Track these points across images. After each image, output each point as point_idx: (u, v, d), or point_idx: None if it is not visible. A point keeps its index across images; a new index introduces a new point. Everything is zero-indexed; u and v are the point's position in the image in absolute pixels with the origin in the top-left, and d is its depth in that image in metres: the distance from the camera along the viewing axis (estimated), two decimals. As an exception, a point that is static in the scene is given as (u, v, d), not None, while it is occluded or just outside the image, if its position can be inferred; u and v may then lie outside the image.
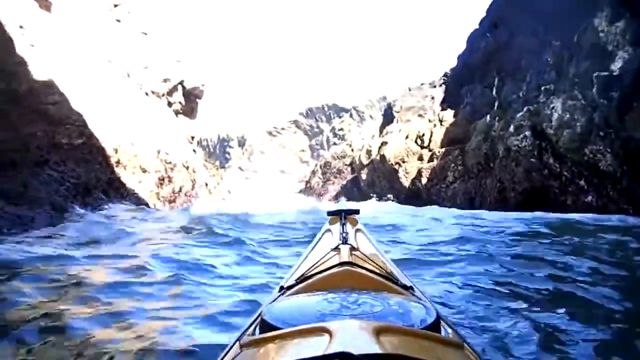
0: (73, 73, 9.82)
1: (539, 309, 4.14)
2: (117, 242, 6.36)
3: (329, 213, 3.23)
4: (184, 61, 15.71)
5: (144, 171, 10.57)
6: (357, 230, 2.84)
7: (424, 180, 24.03)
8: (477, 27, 28.04)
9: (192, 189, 12.76)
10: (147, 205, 10.21)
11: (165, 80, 14.46)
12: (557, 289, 4.86)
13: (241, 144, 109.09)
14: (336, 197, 31.26)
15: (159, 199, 10.95)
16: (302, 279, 1.84)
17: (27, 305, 4.07)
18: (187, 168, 12.76)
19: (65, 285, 4.52)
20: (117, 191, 9.46)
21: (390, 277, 1.85)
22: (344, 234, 2.32)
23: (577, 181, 17.36)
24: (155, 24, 15.21)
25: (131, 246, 6.14)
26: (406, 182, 25.05)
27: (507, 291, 5.15)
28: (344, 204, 3.97)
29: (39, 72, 8.58)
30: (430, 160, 24.55)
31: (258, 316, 1.47)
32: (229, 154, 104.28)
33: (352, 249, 2.10)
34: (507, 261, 6.47)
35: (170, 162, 11.70)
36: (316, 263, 2.00)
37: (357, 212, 3.24)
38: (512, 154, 19.14)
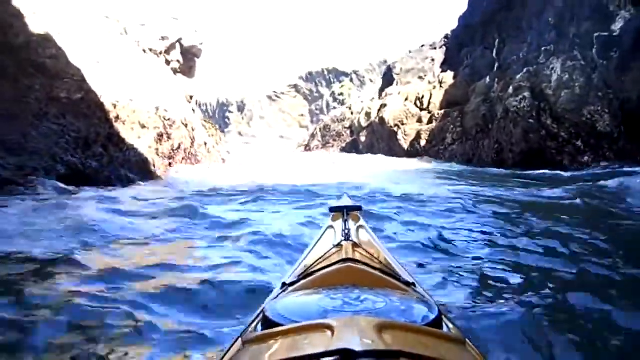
0: (70, 27, 9.78)
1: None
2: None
3: (332, 209, 3.22)
4: (182, 19, 15.59)
5: (143, 127, 10.62)
6: (360, 226, 2.85)
7: (423, 142, 24.07)
8: (479, -13, 27.62)
9: (191, 147, 12.83)
10: (146, 160, 10.31)
11: (162, 38, 14.36)
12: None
13: (240, 108, 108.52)
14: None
15: (158, 155, 11.03)
16: (304, 275, 1.84)
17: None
18: (186, 126, 12.81)
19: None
20: (117, 146, 9.54)
21: (392, 273, 1.86)
22: (346, 231, 2.32)
23: (574, 142, 17.42)
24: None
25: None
26: (405, 144, 25.10)
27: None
28: (347, 201, 3.97)
29: (35, 25, 8.57)
30: (430, 122, 24.54)
31: (260, 313, 1.47)
32: (228, 118, 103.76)
33: (355, 245, 2.11)
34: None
35: (169, 119, 11.73)
36: (318, 260, 2.01)
37: (359, 208, 3.25)
38: (511, 115, 19.14)
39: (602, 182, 9.85)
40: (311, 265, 1.95)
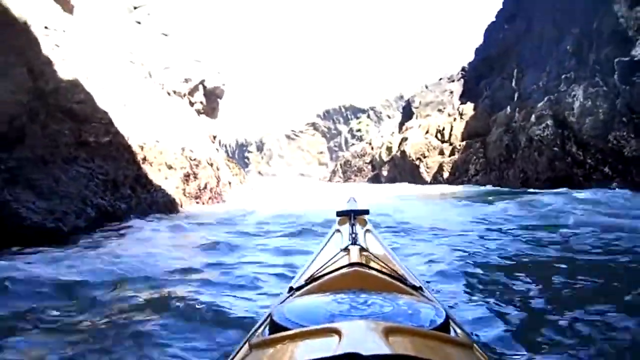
0: (96, 73, 9.98)
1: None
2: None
3: (339, 213, 3.20)
4: (204, 61, 15.88)
5: (170, 167, 10.69)
6: (367, 230, 2.87)
7: (446, 175, 23.95)
8: (494, 19, 27.90)
9: (217, 186, 12.88)
10: (174, 201, 10.34)
11: (186, 80, 14.60)
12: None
13: (259, 148, 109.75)
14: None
15: (185, 195, 11.06)
16: (312, 279, 1.85)
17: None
18: (212, 165, 12.88)
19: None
20: (144, 187, 9.59)
21: (399, 277, 1.86)
22: (354, 235, 2.32)
23: (602, 168, 17.17)
24: (175, 25, 15.39)
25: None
26: (428, 177, 25.00)
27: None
28: (354, 204, 3.90)
29: (64, 71, 8.74)
30: (452, 154, 24.49)
31: (267, 317, 1.47)
32: (247, 158, 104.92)
33: (362, 249, 2.10)
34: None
35: (194, 159, 11.81)
36: (325, 264, 2.00)
37: (366, 212, 3.25)
38: (535, 144, 19.01)
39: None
40: (318, 270, 1.95)
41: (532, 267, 4.78)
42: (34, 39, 8.22)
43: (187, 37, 15.67)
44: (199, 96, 15.49)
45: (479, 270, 4.53)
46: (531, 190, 17.45)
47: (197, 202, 11.48)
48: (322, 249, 2.70)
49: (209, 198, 11.98)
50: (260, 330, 1.47)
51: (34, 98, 7.75)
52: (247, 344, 1.28)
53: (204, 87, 15.68)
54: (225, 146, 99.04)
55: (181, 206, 10.65)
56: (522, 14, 24.68)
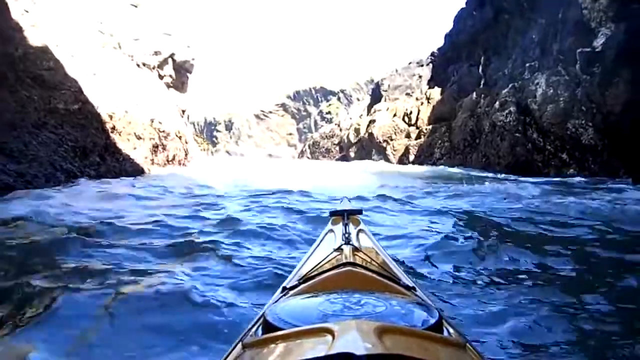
0: (66, 41, 9.95)
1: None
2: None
3: (332, 213, 3.17)
4: (175, 34, 15.84)
5: (139, 138, 10.78)
6: (360, 230, 2.84)
7: (412, 157, 24.37)
8: (464, 5, 28.17)
9: (185, 158, 13.00)
10: (142, 170, 10.45)
11: (156, 53, 14.58)
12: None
13: (228, 127, 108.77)
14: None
15: (153, 165, 11.19)
16: (305, 279, 1.84)
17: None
18: (180, 138, 12.99)
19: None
20: (113, 156, 9.68)
21: (392, 277, 1.84)
22: (347, 234, 2.31)
23: (560, 154, 17.79)
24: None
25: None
26: (394, 159, 25.41)
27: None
28: (347, 204, 3.94)
29: (33, 38, 8.73)
30: (418, 137, 24.89)
31: (260, 317, 1.46)
32: (216, 137, 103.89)
33: (355, 249, 2.11)
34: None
35: (163, 131, 11.91)
36: (319, 263, 2.00)
37: (359, 212, 3.23)
38: (497, 130, 19.50)
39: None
40: (311, 270, 1.95)
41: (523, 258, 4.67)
42: (2, 3, 8.19)
43: (157, 9, 15.58)
44: (169, 69, 15.47)
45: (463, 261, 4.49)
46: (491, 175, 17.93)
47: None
48: (315, 248, 2.68)
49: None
50: (253, 330, 1.45)
51: (3, 63, 7.76)
52: (240, 344, 1.29)
53: (174, 61, 15.66)
54: (194, 124, 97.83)
55: (149, 174, 10.78)
56: (491, 1, 25.06)
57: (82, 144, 8.80)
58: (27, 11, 8.87)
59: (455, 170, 19.05)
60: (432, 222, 6.41)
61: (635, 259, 4.47)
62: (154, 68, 14.53)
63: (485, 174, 17.39)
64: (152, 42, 14.49)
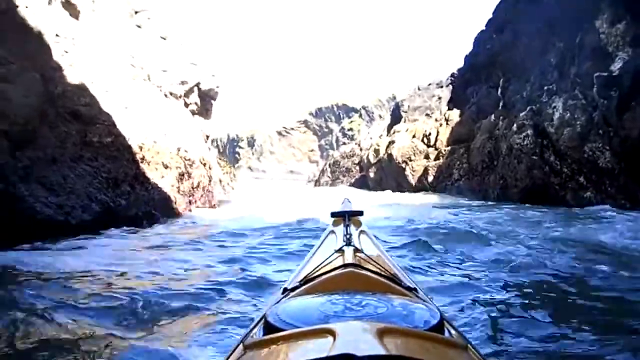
0: (100, 77, 10.64)
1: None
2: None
3: (333, 214, 3.20)
4: (200, 64, 16.56)
5: (166, 167, 11.40)
6: (361, 231, 2.87)
7: (430, 178, 24.64)
8: (484, 28, 28.43)
9: (209, 184, 13.60)
10: (169, 198, 11.06)
11: (182, 83, 15.27)
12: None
13: (250, 144, 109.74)
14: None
15: (179, 193, 11.78)
16: (306, 280, 1.85)
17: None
18: (205, 165, 13.59)
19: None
20: (142, 185, 10.30)
21: (394, 278, 1.86)
22: (348, 236, 2.32)
23: (577, 177, 17.99)
24: (173, 28, 16.08)
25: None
26: (413, 180, 25.69)
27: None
28: (348, 206, 4.09)
29: (71, 76, 9.42)
30: (437, 158, 25.15)
31: (261, 318, 1.46)
32: (238, 154, 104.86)
33: (356, 250, 2.10)
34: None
35: (189, 159, 12.52)
36: (320, 265, 2.02)
37: (361, 213, 3.26)
38: (515, 152, 19.76)
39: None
40: (312, 271, 1.96)
41: (525, 269, 4.86)
42: (46, 46, 8.91)
43: (184, 39, 16.36)
44: (194, 97, 16.16)
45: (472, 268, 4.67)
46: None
47: (190, 201, 12.23)
48: (316, 250, 2.71)
49: (201, 196, 12.72)
50: (254, 331, 1.46)
51: (45, 101, 8.43)
52: (241, 345, 1.29)
53: (199, 89, 16.35)
54: (217, 140, 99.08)
55: (175, 203, 11.39)
56: (510, 24, 25.31)
57: (114, 175, 9.44)
58: (67, 52, 9.58)
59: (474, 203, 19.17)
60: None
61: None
62: (180, 97, 15.23)
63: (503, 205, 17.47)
64: (179, 72, 15.21)
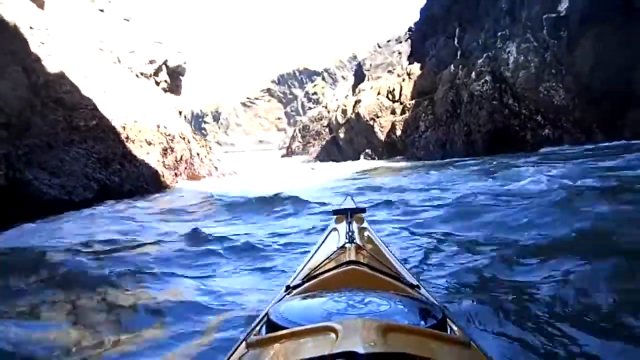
0: (76, 64, 11.04)
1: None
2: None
3: (335, 212, 3.22)
4: (165, 42, 16.89)
5: (149, 144, 11.95)
6: (363, 228, 2.88)
7: (399, 132, 25.27)
8: (436, -21, 28.68)
9: (190, 157, 14.20)
10: (156, 172, 11.68)
11: (150, 62, 15.61)
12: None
13: (216, 118, 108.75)
14: (317, 158, 32.37)
15: (165, 167, 12.38)
16: (308, 278, 1.84)
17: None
18: (184, 139, 14.14)
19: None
20: (131, 162, 10.88)
21: (396, 275, 1.86)
22: (350, 233, 2.30)
23: (535, 117, 19.03)
24: (134, 9, 16.32)
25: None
26: (382, 136, 26.36)
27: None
28: (350, 203, 4.28)
29: (50, 66, 9.82)
30: (403, 112, 25.75)
31: (264, 316, 1.45)
32: (204, 129, 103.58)
33: (358, 247, 2.11)
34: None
35: (169, 135, 13.06)
36: (322, 262, 2.02)
37: (363, 210, 3.28)
38: (476, 99, 20.54)
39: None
40: (315, 268, 1.96)
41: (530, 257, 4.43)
42: (23, 39, 9.29)
43: (146, 19, 16.65)
44: (163, 75, 16.52)
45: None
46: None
47: (176, 174, 12.84)
48: (318, 247, 2.69)
49: (185, 169, 13.33)
50: (257, 329, 1.46)
51: (31, 92, 8.88)
52: (244, 343, 1.29)
53: (167, 67, 16.70)
54: (183, 117, 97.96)
55: (163, 176, 12.01)
56: (462, -27, 25.74)
57: (104, 155, 10.01)
58: (42, 43, 9.97)
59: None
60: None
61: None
62: (150, 76, 15.60)
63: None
64: (146, 52, 15.53)
